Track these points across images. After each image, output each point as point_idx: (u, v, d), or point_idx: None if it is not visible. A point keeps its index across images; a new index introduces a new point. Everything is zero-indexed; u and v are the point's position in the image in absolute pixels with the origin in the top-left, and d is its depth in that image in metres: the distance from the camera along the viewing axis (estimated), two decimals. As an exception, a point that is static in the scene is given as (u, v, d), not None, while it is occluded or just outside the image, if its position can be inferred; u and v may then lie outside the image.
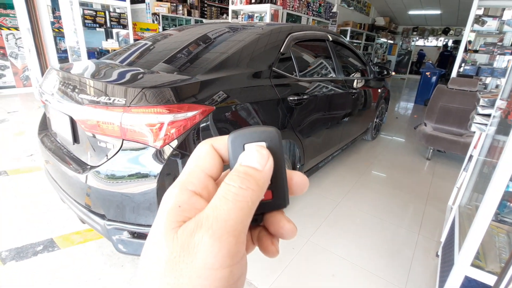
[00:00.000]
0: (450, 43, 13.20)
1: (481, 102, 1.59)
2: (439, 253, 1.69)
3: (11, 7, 5.04)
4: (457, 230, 1.44)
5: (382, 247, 1.91)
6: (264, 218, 0.25)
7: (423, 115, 3.81)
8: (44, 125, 1.85)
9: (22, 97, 5.19)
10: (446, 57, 10.47)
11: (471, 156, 1.85)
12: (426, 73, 6.70)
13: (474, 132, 1.90)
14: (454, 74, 4.03)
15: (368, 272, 1.68)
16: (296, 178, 0.25)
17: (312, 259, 1.75)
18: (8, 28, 5.30)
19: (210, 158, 0.23)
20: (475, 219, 1.02)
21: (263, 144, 0.23)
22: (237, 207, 0.19)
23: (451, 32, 12.97)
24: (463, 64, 4.03)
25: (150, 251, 0.19)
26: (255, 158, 0.22)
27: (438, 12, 11.17)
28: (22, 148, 3.06)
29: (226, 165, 0.24)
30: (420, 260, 1.81)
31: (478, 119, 1.60)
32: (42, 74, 4.84)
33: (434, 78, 6.64)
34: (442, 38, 13.42)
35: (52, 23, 5.05)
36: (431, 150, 3.51)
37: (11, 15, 5.22)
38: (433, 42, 13.78)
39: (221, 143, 0.23)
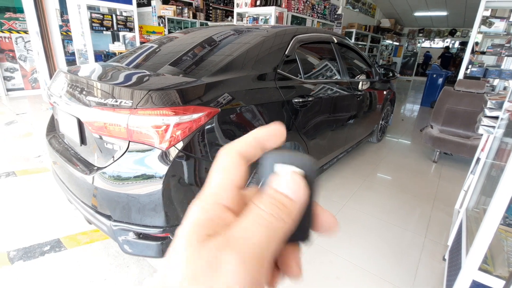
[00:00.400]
0: (454, 45, 13.10)
1: (489, 104, 1.58)
2: (446, 257, 1.67)
3: (21, 11, 5.14)
4: (464, 233, 1.43)
5: (388, 250, 1.89)
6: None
7: (430, 117, 3.77)
8: (52, 127, 1.87)
9: (30, 99, 5.28)
10: (448, 58, 10.96)
11: (478, 159, 1.83)
12: (433, 75, 6.64)
13: (482, 135, 1.88)
14: (461, 76, 3.99)
15: (373, 275, 1.67)
16: (324, 217, 0.23)
17: (316, 261, 1.74)
18: (18, 32, 5.40)
19: (238, 169, 0.22)
20: (483, 223, 1.01)
21: (298, 169, 0.21)
22: (267, 235, 0.19)
23: (458, 33, 12.86)
24: (470, 66, 3.98)
25: (174, 259, 0.18)
26: (290, 185, 0.21)
27: (444, 13, 11.09)
28: (30, 149, 3.11)
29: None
30: (427, 264, 1.79)
31: (485, 121, 1.58)
32: (50, 76, 4.92)
33: (440, 80, 6.57)
34: (448, 40, 13.31)
35: (60, 27, 5.14)
36: (438, 153, 3.47)
37: (20, 18, 5.33)
38: (439, 43, 13.67)
39: (245, 148, 0.22)
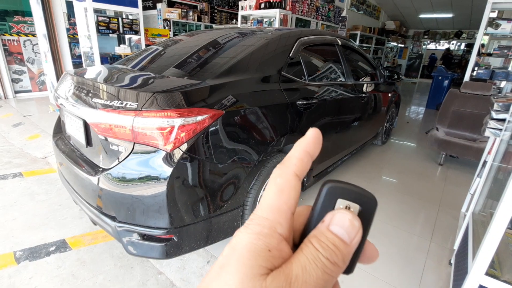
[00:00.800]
0: (460, 47, 13.02)
1: (495, 106, 1.56)
2: (452, 261, 1.65)
3: (29, 14, 5.23)
4: (471, 237, 1.41)
5: (393, 254, 1.87)
6: None
7: (435, 120, 3.74)
8: (59, 128, 1.90)
9: (37, 101, 5.35)
10: (449, 59, 11.53)
11: (485, 162, 1.81)
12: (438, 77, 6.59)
13: (488, 137, 1.86)
14: (467, 78, 3.95)
15: (378, 279, 1.65)
16: (369, 249, 0.23)
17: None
18: (26, 35, 5.49)
19: (295, 192, 0.21)
20: (490, 227, 1.00)
21: (357, 207, 0.21)
22: (323, 279, 0.18)
23: (464, 35, 12.75)
24: (476, 68, 3.94)
25: (228, 283, 0.18)
26: (346, 228, 0.20)
27: (450, 15, 11.01)
28: (37, 150, 3.15)
29: None
30: (433, 268, 1.76)
31: (492, 124, 1.57)
32: (57, 78, 4.99)
33: (446, 82, 6.52)
34: (454, 42, 13.21)
35: (68, 30, 5.22)
36: (444, 156, 3.44)
37: (28, 22, 5.42)
38: (445, 45, 13.57)
39: (301, 167, 0.21)
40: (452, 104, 3.60)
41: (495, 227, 0.97)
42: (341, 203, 0.21)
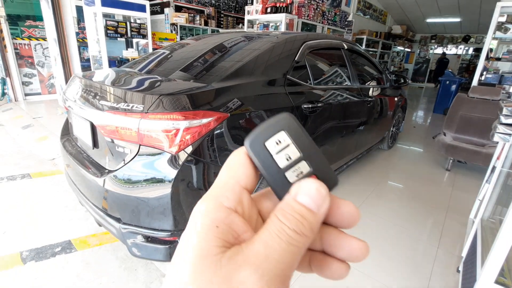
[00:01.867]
0: (468, 51, 12.89)
1: (504, 111, 1.53)
2: (460, 269, 1.62)
3: (40, 19, 5.35)
4: (479, 244, 1.38)
5: (399, 260, 1.84)
6: (327, 242, 0.22)
7: (442, 125, 3.69)
8: (66, 130, 1.93)
9: (47, 104, 5.45)
10: (445, 63, 11.81)
11: (494, 167, 1.77)
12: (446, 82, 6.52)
13: (497, 143, 1.83)
14: (475, 82, 3.90)
15: (384, 286, 1.62)
16: (344, 208, 0.21)
17: (326, 270, 1.71)
18: (37, 39, 5.62)
19: (245, 168, 0.21)
20: (499, 233, 0.97)
21: (287, 139, 0.21)
22: (290, 251, 0.18)
23: (472, 39, 12.63)
24: (484, 73, 3.90)
25: (185, 273, 0.17)
26: (312, 196, 0.19)
27: (457, 19, 10.92)
28: (45, 152, 3.20)
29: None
30: (440, 275, 1.73)
31: (501, 128, 1.54)
32: (66, 82, 5.07)
33: (453, 87, 6.45)
34: (462, 46, 13.10)
35: (77, 34, 5.32)
36: (451, 161, 3.39)
37: (39, 26, 5.55)
38: (452, 50, 13.45)
39: None
40: (460, 108, 3.55)
41: (505, 234, 0.95)
42: (270, 144, 0.21)
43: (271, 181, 0.21)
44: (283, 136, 0.21)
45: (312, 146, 0.21)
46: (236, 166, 0.21)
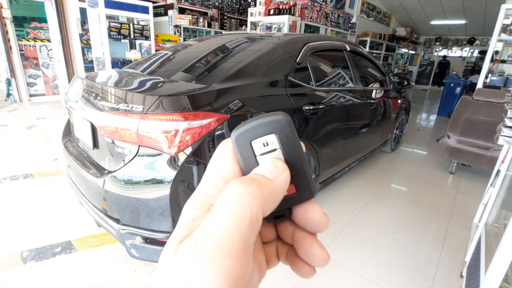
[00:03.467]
0: (473, 53, 12.80)
1: (509, 113, 1.51)
2: (464, 274, 1.59)
3: (45, 20, 5.41)
4: (483, 249, 1.35)
5: (401, 264, 1.81)
6: (294, 239, 0.22)
7: (446, 127, 3.66)
8: (68, 131, 1.93)
9: (51, 104, 5.49)
10: (444, 65, 12.52)
11: (498, 171, 1.75)
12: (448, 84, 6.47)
13: (502, 146, 1.80)
14: (479, 85, 3.87)
15: (386, 291, 1.60)
16: (310, 213, 0.21)
17: (326, 273, 1.69)
18: (42, 40, 5.67)
19: (230, 161, 0.20)
20: (503, 238, 0.95)
21: (272, 136, 0.20)
22: (233, 219, 0.16)
23: (477, 42, 12.53)
24: (489, 75, 3.86)
25: (157, 267, 0.17)
26: (268, 167, 0.19)
27: (462, 22, 10.85)
28: (48, 152, 3.21)
29: None
30: (443, 281, 1.70)
31: (506, 131, 1.51)
32: (69, 83, 5.12)
33: (458, 89, 6.39)
34: (467, 48, 13.02)
35: (81, 35, 5.36)
36: (455, 164, 3.35)
37: (45, 28, 5.60)
38: (457, 52, 13.37)
39: None
40: (464, 111, 3.52)
41: (509, 239, 0.93)
42: (257, 144, 0.20)
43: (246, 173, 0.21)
44: (272, 139, 0.20)
45: (299, 156, 0.21)
46: (225, 161, 0.20)
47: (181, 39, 6.50)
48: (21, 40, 5.43)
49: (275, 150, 0.20)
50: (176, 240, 0.17)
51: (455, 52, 13.45)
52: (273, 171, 0.19)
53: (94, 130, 1.46)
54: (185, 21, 6.69)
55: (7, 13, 5.09)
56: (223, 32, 7.83)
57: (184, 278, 0.15)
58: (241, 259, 0.16)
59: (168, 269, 0.16)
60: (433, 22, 11.53)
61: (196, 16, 7.04)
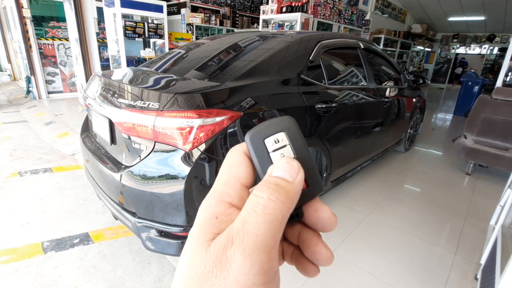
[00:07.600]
0: (493, 51, 12.36)
1: (530, 113, 1.46)
2: (478, 276, 1.56)
3: (63, 20, 5.57)
4: (499, 252, 1.32)
5: (414, 265, 1.79)
6: (301, 239, 0.24)
7: (463, 127, 3.56)
8: (86, 127, 2.00)
9: (68, 101, 5.67)
10: (459, 62, 12.59)
11: (517, 172, 1.70)
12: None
13: (521, 146, 1.74)
14: (499, 83, 3.74)
15: (397, 291, 1.59)
16: (321, 213, 0.23)
17: (337, 271, 1.69)
18: (60, 39, 5.85)
19: (243, 166, 0.22)
20: (520, 240, 0.93)
21: (282, 134, 0.23)
22: (266, 221, 0.18)
23: (497, 39, 12.08)
24: (510, 73, 3.73)
25: (183, 262, 0.19)
26: (286, 169, 0.21)
27: (481, 18, 10.48)
28: (66, 147, 3.33)
29: None
30: (457, 283, 1.67)
31: (525, 131, 1.47)
32: (87, 80, 5.25)
33: (476, 88, 6.20)
34: (486, 46, 12.56)
35: (97, 34, 5.50)
36: (472, 165, 3.26)
37: (62, 27, 5.77)
38: (476, 49, 12.92)
39: None
40: (482, 111, 3.42)
41: (526, 241, 0.91)
42: (269, 141, 0.23)
43: (263, 175, 0.23)
44: (282, 137, 0.23)
45: (306, 152, 0.23)
46: (236, 165, 0.22)
47: (194, 37, 6.56)
48: (40, 39, 5.61)
49: (285, 146, 0.23)
50: (207, 237, 0.19)
51: (473, 50, 13.01)
52: (291, 172, 0.21)
53: (112, 126, 1.51)
54: (197, 19, 6.74)
55: (27, 13, 5.26)
56: (235, 30, 7.84)
57: (222, 269, 0.17)
58: (272, 253, 0.18)
59: (203, 263, 0.18)
60: (451, 19, 11.18)
61: (208, 14, 7.09)
